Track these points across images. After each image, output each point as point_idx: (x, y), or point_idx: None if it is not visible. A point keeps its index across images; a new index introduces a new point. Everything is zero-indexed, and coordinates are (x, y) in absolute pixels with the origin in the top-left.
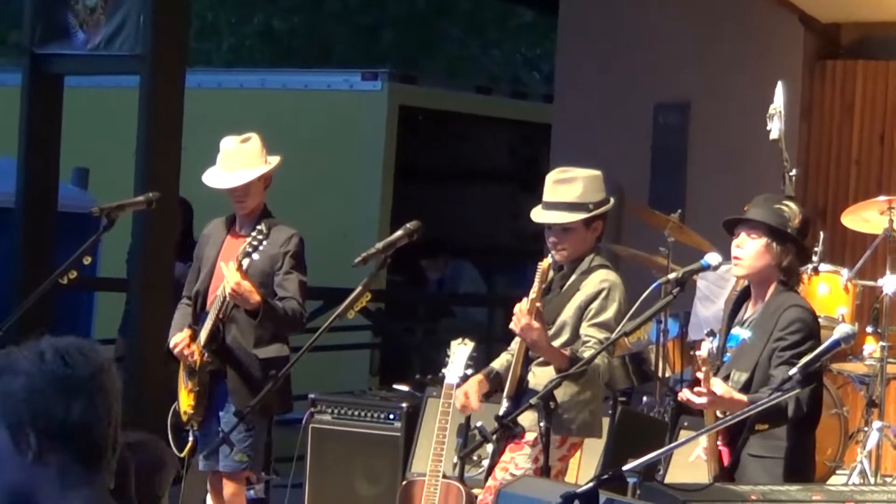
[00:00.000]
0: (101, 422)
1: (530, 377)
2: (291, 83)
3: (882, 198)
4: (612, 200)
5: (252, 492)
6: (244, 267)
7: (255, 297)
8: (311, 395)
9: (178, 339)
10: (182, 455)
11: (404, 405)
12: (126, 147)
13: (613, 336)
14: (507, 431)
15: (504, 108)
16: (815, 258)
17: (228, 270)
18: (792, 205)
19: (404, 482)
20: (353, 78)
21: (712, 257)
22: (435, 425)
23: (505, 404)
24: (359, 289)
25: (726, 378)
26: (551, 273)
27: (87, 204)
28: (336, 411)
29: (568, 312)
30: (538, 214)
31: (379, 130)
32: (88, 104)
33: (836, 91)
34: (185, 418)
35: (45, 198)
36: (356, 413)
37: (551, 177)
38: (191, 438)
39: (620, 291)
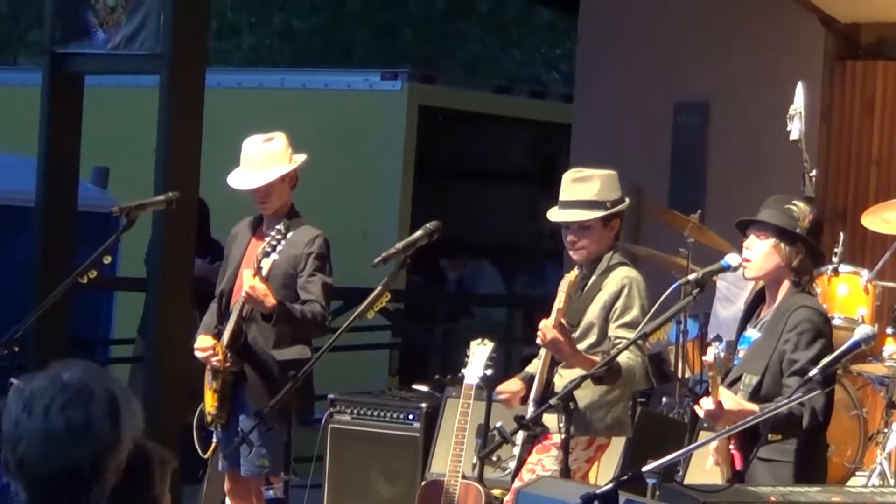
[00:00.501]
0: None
1: (556, 379)
2: (311, 83)
3: None
4: (627, 200)
5: (271, 492)
6: (263, 268)
7: (271, 301)
8: (331, 396)
9: (202, 344)
10: (206, 455)
11: (423, 405)
12: (146, 147)
13: (633, 337)
14: (528, 432)
15: (523, 108)
16: (835, 259)
17: (246, 275)
18: (801, 204)
19: (423, 483)
20: (372, 78)
21: (732, 258)
22: (454, 426)
23: (531, 407)
24: (378, 289)
25: (737, 380)
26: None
27: (106, 203)
28: (355, 411)
29: (593, 313)
30: (555, 214)
31: (398, 130)
32: (108, 103)
33: (856, 91)
34: (209, 419)
35: (65, 197)
36: (375, 413)
37: (568, 176)
38: (214, 439)
39: (642, 287)
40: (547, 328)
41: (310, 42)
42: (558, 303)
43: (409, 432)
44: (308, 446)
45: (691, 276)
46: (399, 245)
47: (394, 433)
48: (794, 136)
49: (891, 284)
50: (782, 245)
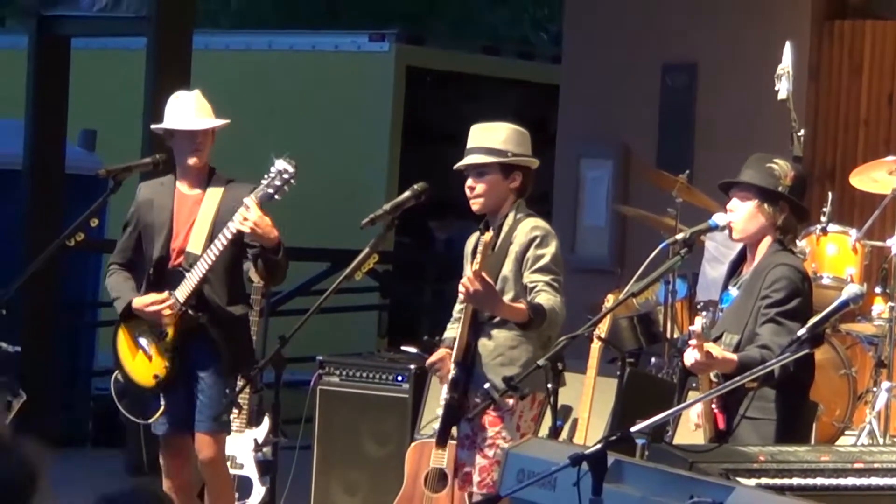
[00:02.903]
0: None
1: (489, 342)
2: (299, 45)
3: (890, 158)
4: (534, 161)
5: (260, 454)
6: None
7: (275, 233)
8: (319, 358)
9: (155, 298)
10: (151, 420)
11: (412, 367)
12: (134, 109)
13: (622, 297)
14: (516, 392)
15: (512, 69)
16: (823, 219)
17: (251, 207)
18: (783, 162)
19: (412, 443)
20: (360, 39)
21: (720, 217)
22: (443, 387)
23: (453, 370)
24: (366, 250)
25: (718, 339)
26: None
27: (94, 166)
28: (344, 373)
29: (507, 267)
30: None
31: (386, 91)
32: (96, 66)
33: (844, 51)
34: (152, 382)
35: (53, 160)
36: (364, 375)
37: (475, 126)
38: (162, 403)
39: (553, 237)
40: (471, 280)
41: (297, 4)
42: (475, 264)
43: (398, 393)
44: (297, 408)
45: (679, 236)
46: (386, 206)
47: (383, 394)
48: (782, 95)
49: (879, 243)
50: (765, 205)
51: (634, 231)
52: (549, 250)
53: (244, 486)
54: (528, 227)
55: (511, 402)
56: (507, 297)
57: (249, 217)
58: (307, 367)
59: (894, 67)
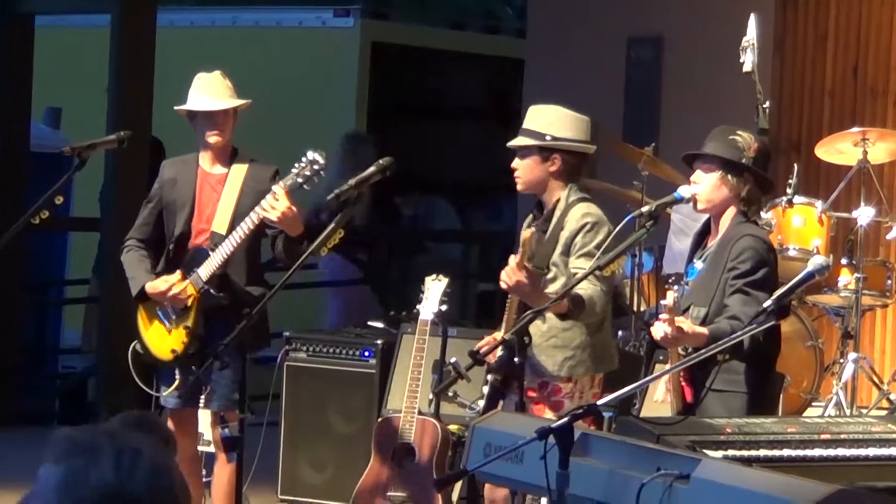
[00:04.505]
0: None
1: (542, 324)
2: (264, 20)
3: (856, 129)
4: (584, 146)
5: (227, 430)
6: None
7: (300, 222)
8: (286, 333)
9: (169, 283)
10: (165, 394)
11: (379, 342)
12: (99, 86)
13: (586, 271)
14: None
15: (477, 44)
16: (789, 191)
17: (278, 194)
18: (745, 134)
19: (380, 419)
20: (325, 14)
21: (685, 190)
22: (410, 362)
23: (500, 351)
24: (332, 226)
25: (685, 311)
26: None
27: (59, 143)
28: (311, 349)
29: (557, 253)
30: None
31: (351, 67)
32: (60, 43)
33: (809, 23)
34: (170, 356)
35: (18, 137)
36: (331, 350)
37: (531, 106)
38: (178, 377)
39: (605, 224)
40: (510, 271)
41: None
42: (518, 255)
43: (365, 369)
44: (264, 384)
45: (645, 209)
46: (352, 182)
47: (350, 370)
48: (747, 67)
49: (845, 215)
50: (729, 176)
51: (600, 204)
52: (597, 237)
53: (210, 462)
54: (580, 213)
55: (568, 386)
56: (558, 283)
57: (278, 206)
58: (274, 344)
59: (859, 39)
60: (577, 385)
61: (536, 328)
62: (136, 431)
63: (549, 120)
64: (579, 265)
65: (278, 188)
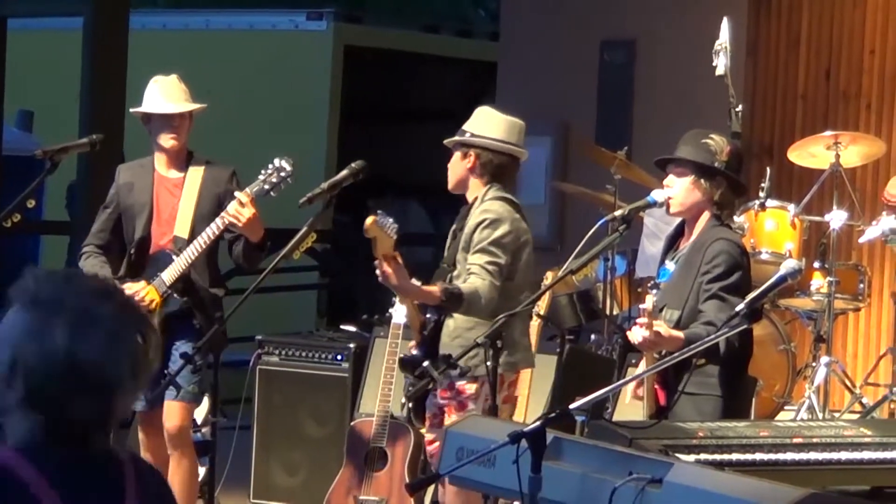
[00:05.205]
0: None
1: (451, 321)
2: (237, 24)
3: (828, 133)
4: (510, 148)
5: (199, 434)
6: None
7: (262, 229)
8: (259, 337)
9: (135, 288)
10: None
11: (352, 346)
12: (71, 89)
13: (561, 274)
14: (454, 371)
15: (450, 47)
16: (761, 194)
17: (243, 201)
18: (718, 137)
19: (352, 423)
20: (298, 18)
21: (658, 193)
22: (382, 366)
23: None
24: (304, 229)
25: (659, 311)
26: None
27: (31, 147)
28: (283, 353)
29: (460, 249)
30: None
31: (324, 70)
32: (33, 47)
33: (781, 26)
34: None
35: None
36: (304, 354)
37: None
38: None
39: (504, 221)
40: (378, 264)
41: None
42: (383, 248)
43: (338, 373)
44: (236, 388)
45: (618, 213)
46: (324, 185)
47: (322, 374)
48: (719, 71)
49: (817, 219)
50: (702, 181)
51: (573, 208)
52: (494, 233)
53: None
54: (480, 210)
55: (472, 387)
56: (460, 280)
57: (244, 213)
58: (246, 347)
59: (832, 42)
60: (484, 387)
61: (446, 326)
62: (97, 298)
63: (475, 119)
64: (474, 260)
65: (243, 195)
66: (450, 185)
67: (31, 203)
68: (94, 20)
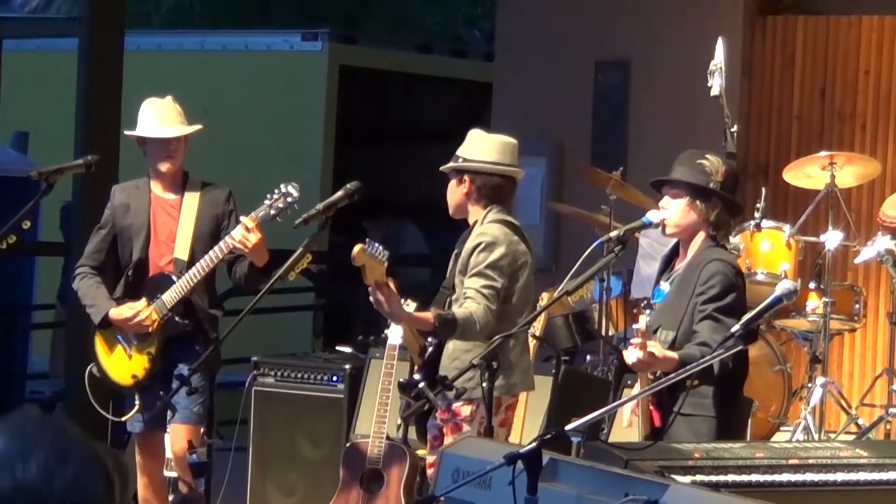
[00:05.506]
0: None
1: (450, 345)
2: (231, 45)
3: (823, 153)
4: (502, 168)
5: (194, 456)
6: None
7: (267, 254)
8: (254, 358)
9: (134, 311)
10: (124, 419)
11: (347, 367)
12: (66, 110)
13: (556, 294)
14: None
15: (445, 67)
16: (757, 214)
17: (249, 226)
18: (713, 158)
19: (348, 444)
20: (293, 38)
21: (653, 214)
22: (378, 387)
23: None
24: (300, 250)
25: (654, 332)
26: None
27: (26, 168)
28: (279, 374)
29: (458, 272)
30: None
31: (319, 91)
32: (28, 68)
33: (776, 46)
34: (130, 381)
35: None
36: (299, 375)
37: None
38: (137, 402)
39: (500, 244)
40: (371, 291)
41: (230, 3)
42: (375, 274)
43: (333, 394)
44: (232, 409)
45: (613, 234)
46: (320, 206)
47: (318, 395)
48: (714, 91)
49: (813, 239)
50: (697, 201)
51: (568, 229)
52: (490, 257)
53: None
54: (477, 233)
55: (468, 409)
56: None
57: (250, 238)
58: (242, 368)
59: (826, 62)
60: (479, 409)
61: (446, 349)
62: (73, 438)
63: (467, 143)
64: (470, 284)
65: (249, 220)
66: (450, 212)
67: (26, 224)
68: (89, 41)
